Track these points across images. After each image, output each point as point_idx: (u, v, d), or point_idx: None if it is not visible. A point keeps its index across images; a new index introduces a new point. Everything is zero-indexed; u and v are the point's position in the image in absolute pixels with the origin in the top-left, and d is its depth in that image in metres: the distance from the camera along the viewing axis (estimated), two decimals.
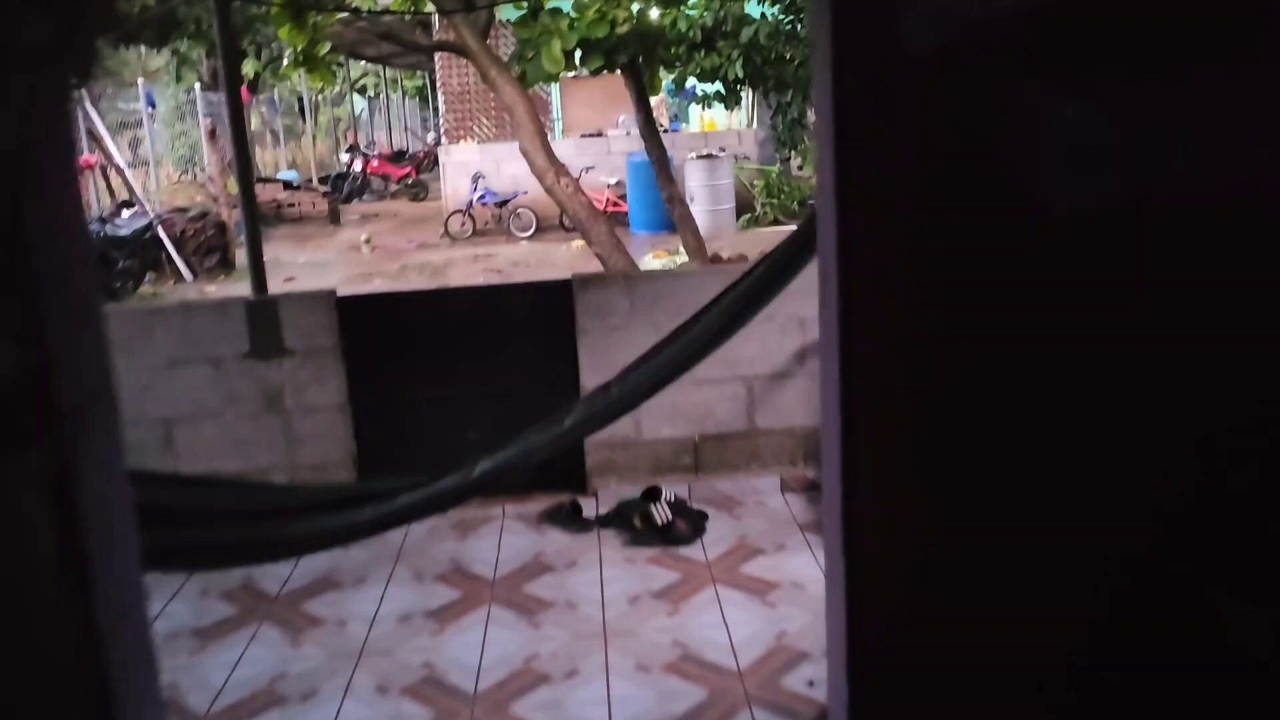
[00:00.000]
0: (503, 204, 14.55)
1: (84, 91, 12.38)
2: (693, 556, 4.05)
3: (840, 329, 0.91)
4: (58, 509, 0.67)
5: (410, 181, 20.50)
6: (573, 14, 7.35)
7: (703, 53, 9.18)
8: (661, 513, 4.16)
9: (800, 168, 14.39)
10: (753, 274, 2.65)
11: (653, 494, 4.33)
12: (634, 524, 4.20)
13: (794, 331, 4.40)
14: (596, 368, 4.23)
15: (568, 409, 2.61)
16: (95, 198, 13.95)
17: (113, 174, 12.79)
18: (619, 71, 7.67)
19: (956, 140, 0.89)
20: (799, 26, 9.44)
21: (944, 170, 0.89)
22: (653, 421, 4.43)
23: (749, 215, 13.99)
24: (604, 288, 4.41)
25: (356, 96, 29.00)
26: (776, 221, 13.60)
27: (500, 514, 4.47)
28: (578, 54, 7.59)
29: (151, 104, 14.70)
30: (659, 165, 7.82)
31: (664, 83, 10.55)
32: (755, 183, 14.21)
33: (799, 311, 4.24)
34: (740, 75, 9.29)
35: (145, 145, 15.97)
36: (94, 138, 12.67)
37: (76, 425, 0.69)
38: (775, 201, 13.89)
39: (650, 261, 10.75)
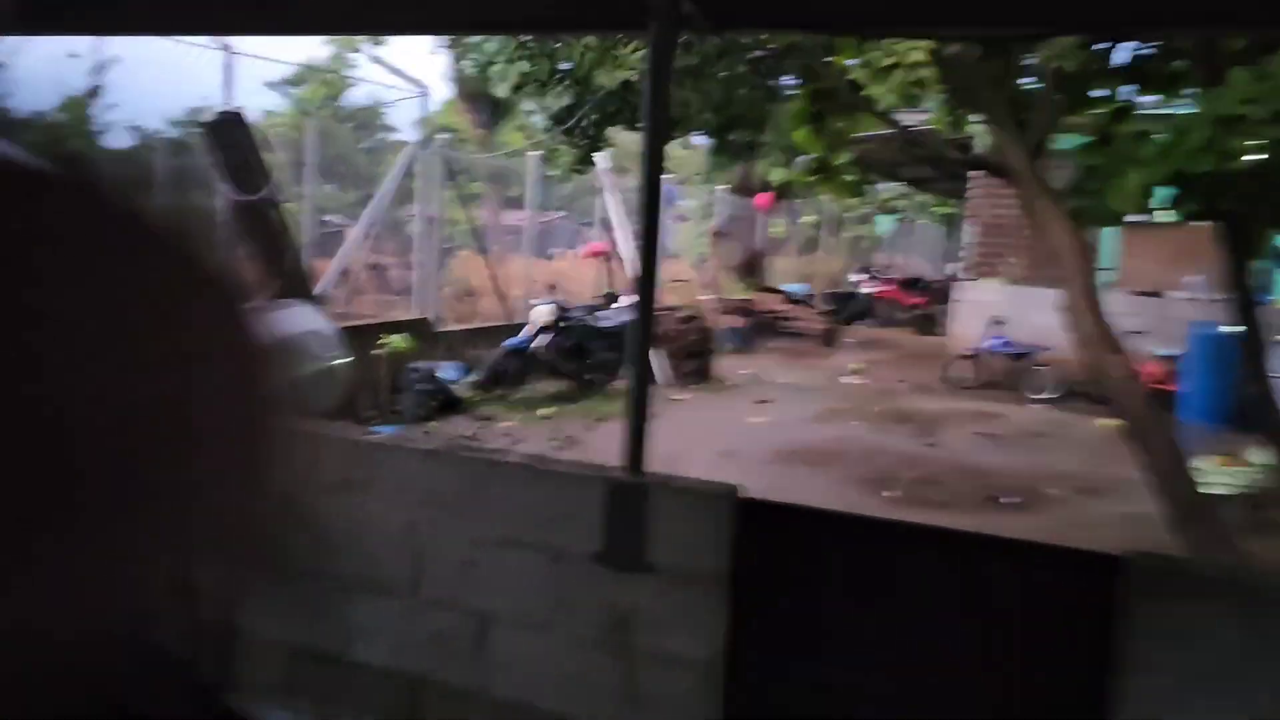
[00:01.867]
0: (1019, 357, 12.39)
1: (606, 179, 12.45)
2: None
3: None
4: None
5: (920, 312, 18.92)
6: (1165, 137, 5.26)
7: None
8: None
9: None
10: None
11: None
12: None
13: None
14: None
15: None
16: (598, 284, 14.05)
17: (614, 264, 12.67)
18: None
19: None
20: None
21: None
22: None
23: None
24: (1190, 589, 2.42)
25: (883, 217, 28.13)
26: None
27: None
28: (1161, 192, 5.53)
29: (670, 200, 14.65)
30: (1250, 345, 5.52)
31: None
32: None
33: None
34: None
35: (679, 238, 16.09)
36: (607, 226, 12.68)
37: None
38: None
39: (1211, 470, 8.05)
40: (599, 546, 2.89)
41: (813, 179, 9.03)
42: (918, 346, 17.32)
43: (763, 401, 11.00)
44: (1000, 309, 13.06)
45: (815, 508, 2.99)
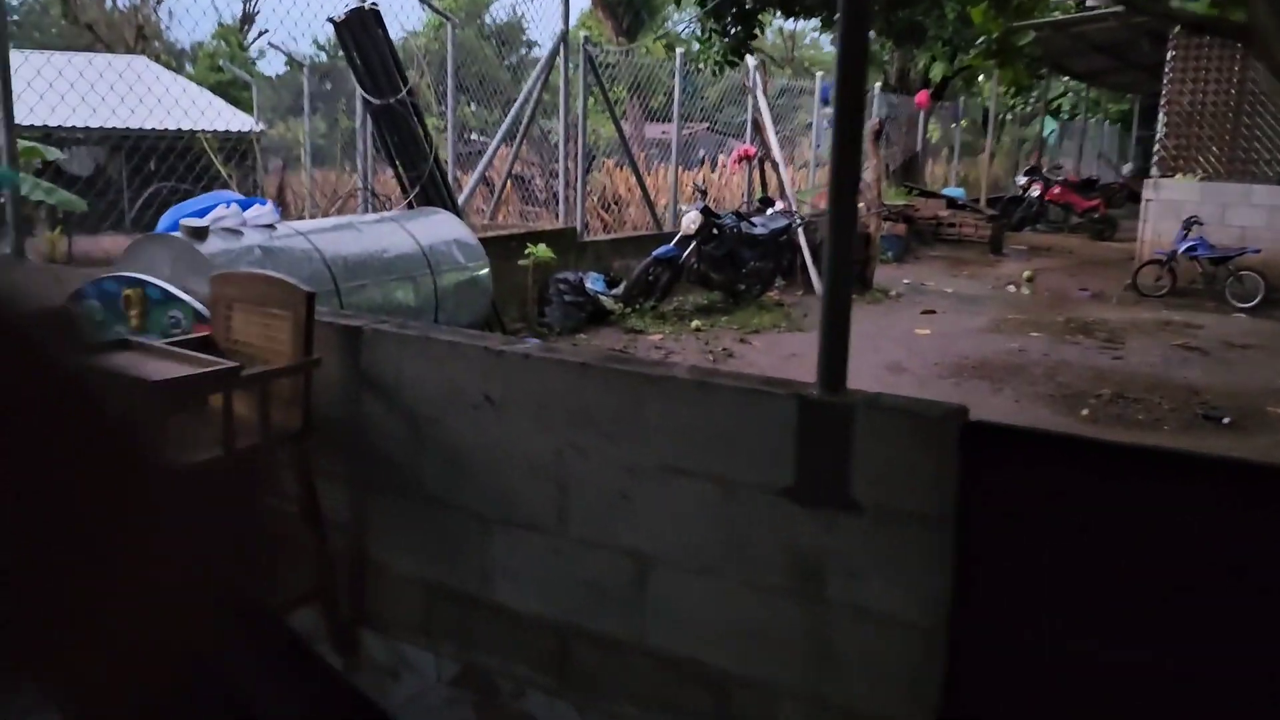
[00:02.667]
0: (1219, 261, 11.13)
1: (758, 78, 11.63)
2: None
3: None
4: None
5: (1096, 215, 17.46)
6: None
7: None
8: None
9: None
10: None
11: None
12: None
13: None
14: None
15: None
16: (747, 191, 13.31)
17: (768, 168, 11.91)
18: None
19: None
20: None
21: None
22: None
23: None
24: None
25: (1048, 118, 26.14)
26: None
27: None
28: None
29: (825, 100, 13.69)
30: None
31: None
32: None
33: None
34: None
35: (808, 143, 15.17)
36: (758, 128, 11.89)
37: None
38: None
39: None
40: (788, 478, 2.35)
41: (990, 62, 8.18)
42: (1094, 252, 15.98)
43: (929, 312, 10.19)
44: (1196, 209, 11.75)
45: (1067, 434, 2.36)
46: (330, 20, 6.78)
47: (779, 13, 9.29)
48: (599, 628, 2.69)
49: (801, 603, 2.38)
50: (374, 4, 6.84)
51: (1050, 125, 26.47)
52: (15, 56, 5.53)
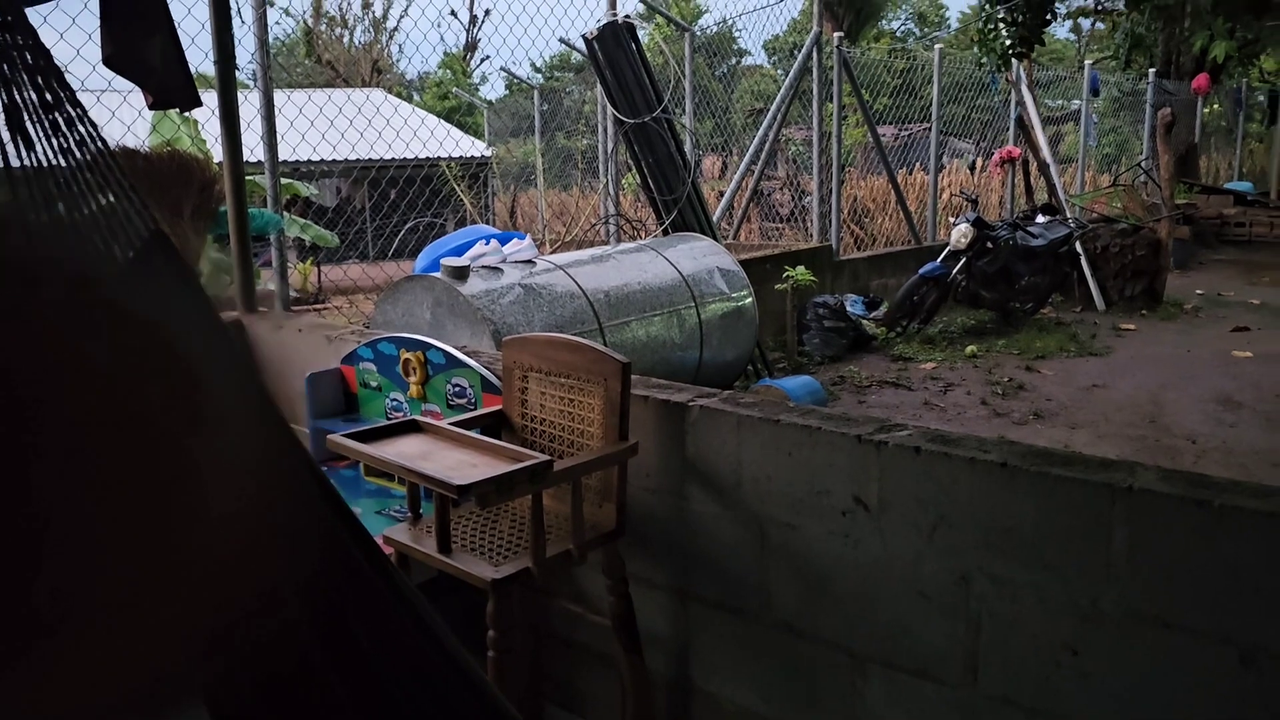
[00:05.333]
0: None
1: (1022, 73, 10.54)
2: None
3: None
4: None
5: None
6: None
7: None
8: None
9: None
10: None
11: None
12: None
13: None
14: None
15: None
16: (1009, 195, 12.18)
17: (1035, 171, 10.78)
18: None
19: None
20: None
21: None
22: None
23: None
24: None
25: None
26: None
27: None
28: None
29: (1095, 90, 12.35)
30: None
31: None
32: None
33: None
34: None
35: (1073, 139, 13.82)
36: (1023, 126, 10.79)
37: None
38: None
39: None
40: None
41: None
42: None
43: (1241, 329, 8.84)
44: None
45: None
46: (584, 37, 6.38)
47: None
48: None
49: None
50: (627, 17, 6.39)
51: None
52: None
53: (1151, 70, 14.16)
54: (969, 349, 7.99)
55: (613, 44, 6.31)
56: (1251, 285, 11.40)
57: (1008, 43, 9.51)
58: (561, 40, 9.68)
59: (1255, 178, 17.34)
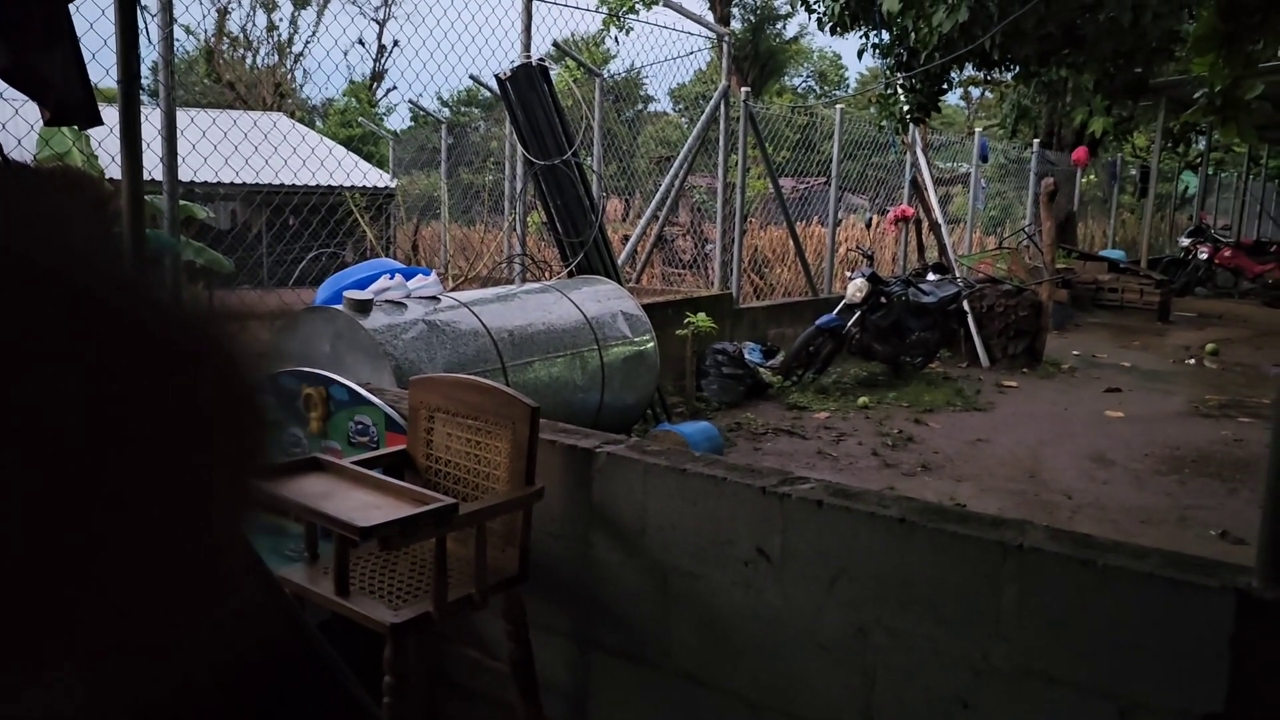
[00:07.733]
0: None
1: (917, 136, 10.96)
2: None
3: None
4: None
5: (1270, 281, 16.19)
6: None
7: None
8: None
9: None
10: None
11: None
12: None
13: None
14: None
15: None
16: (903, 253, 12.59)
17: (926, 230, 11.19)
18: None
19: None
20: None
21: None
22: None
23: None
24: None
25: (1187, 173, 24.69)
26: None
27: None
28: None
29: (984, 156, 12.92)
30: None
31: None
32: None
33: None
34: None
35: (962, 200, 14.40)
36: (917, 188, 11.21)
37: None
38: None
39: None
40: (1216, 703, 1.69)
41: (1209, 117, 7.29)
42: (1272, 320, 14.71)
43: (1113, 390, 9.28)
44: None
45: None
46: (497, 76, 6.40)
47: (975, 65, 8.64)
48: None
49: None
50: (541, 60, 6.44)
51: (1188, 179, 24.92)
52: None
53: (1035, 140, 14.89)
54: (861, 400, 8.19)
55: (526, 85, 6.35)
56: (1123, 348, 11.98)
57: (906, 109, 9.90)
58: (472, 78, 9.70)
59: (1127, 246, 18.32)
